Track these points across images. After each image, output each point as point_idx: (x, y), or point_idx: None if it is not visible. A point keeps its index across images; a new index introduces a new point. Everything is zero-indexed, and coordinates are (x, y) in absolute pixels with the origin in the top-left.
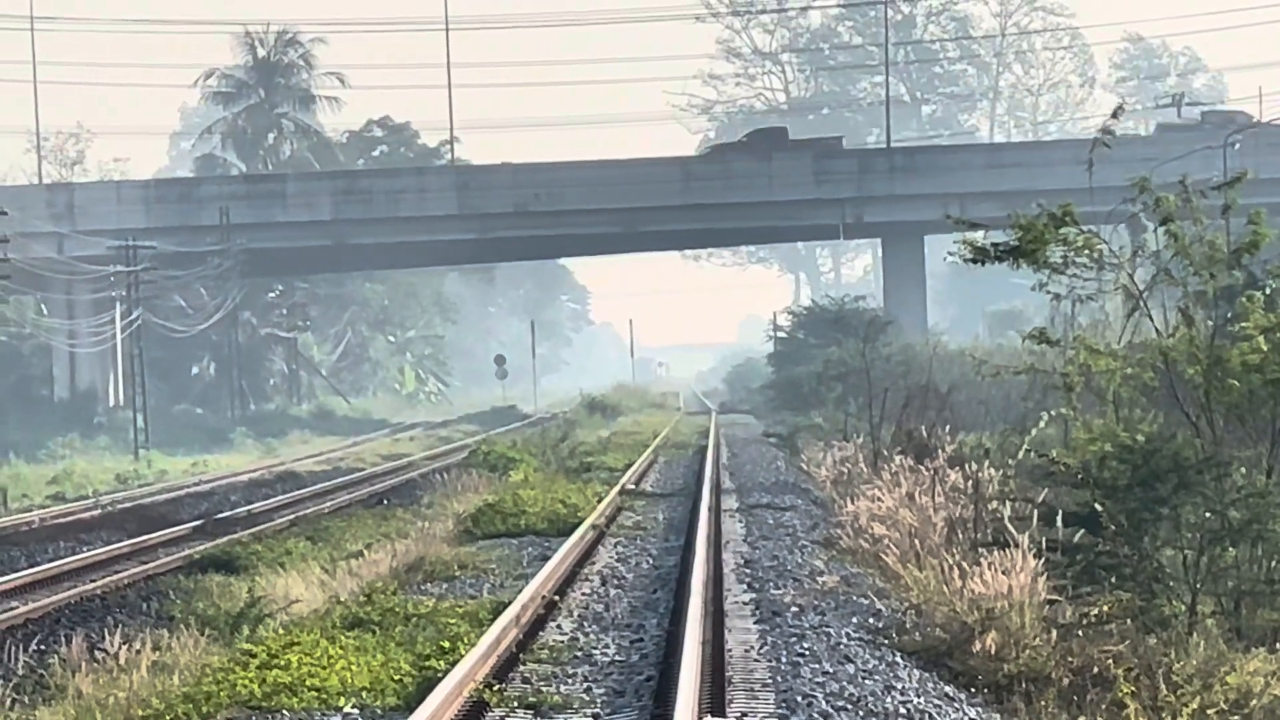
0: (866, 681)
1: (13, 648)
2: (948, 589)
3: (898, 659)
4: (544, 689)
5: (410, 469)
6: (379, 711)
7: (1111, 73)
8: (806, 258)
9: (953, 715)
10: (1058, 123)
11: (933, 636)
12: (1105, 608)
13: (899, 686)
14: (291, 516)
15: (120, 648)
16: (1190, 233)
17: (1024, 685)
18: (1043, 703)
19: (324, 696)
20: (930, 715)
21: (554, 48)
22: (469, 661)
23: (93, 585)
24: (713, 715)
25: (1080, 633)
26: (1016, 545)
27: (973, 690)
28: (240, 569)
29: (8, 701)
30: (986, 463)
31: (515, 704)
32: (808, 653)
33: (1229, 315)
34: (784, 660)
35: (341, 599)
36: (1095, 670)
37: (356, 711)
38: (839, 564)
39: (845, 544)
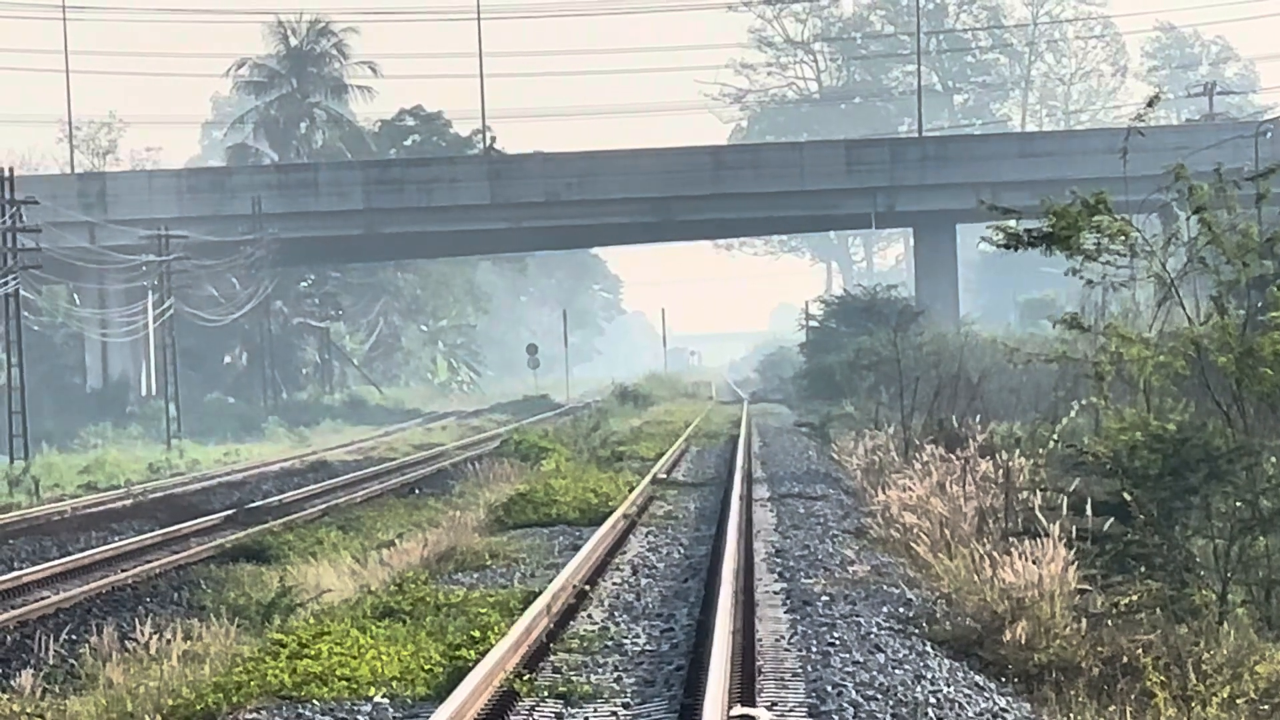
0: (897, 671)
1: (44, 637)
2: (978, 578)
3: (928, 648)
4: (574, 679)
5: (442, 458)
6: (409, 701)
7: (1143, 62)
8: (838, 247)
9: (983, 705)
10: (1089, 112)
11: (963, 626)
12: (1135, 597)
13: (929, 676)
14: (323, 506)
15: (151, 637)
16: (1223, 221)
17: (1054, 675)
18: (1073, 692)
19: (354, 686)
20: (960, 705)
21: (586, 37)
22: (499, 651)
23: (124, 575)
24: (743, 704)
25: (1110, 622)
26: (1047, 535)
27: (1003, 680)
28: (271, 558)
29: (39, 691)
30: (1017, 452)
31: (545, 694)
32: (838, 642)
33: (1260, 304)
34: (814, 650)
35: (372, 588)
36: (1125, 660)
37: (387, 701)
38: (870, 553)
39: (876, 533)
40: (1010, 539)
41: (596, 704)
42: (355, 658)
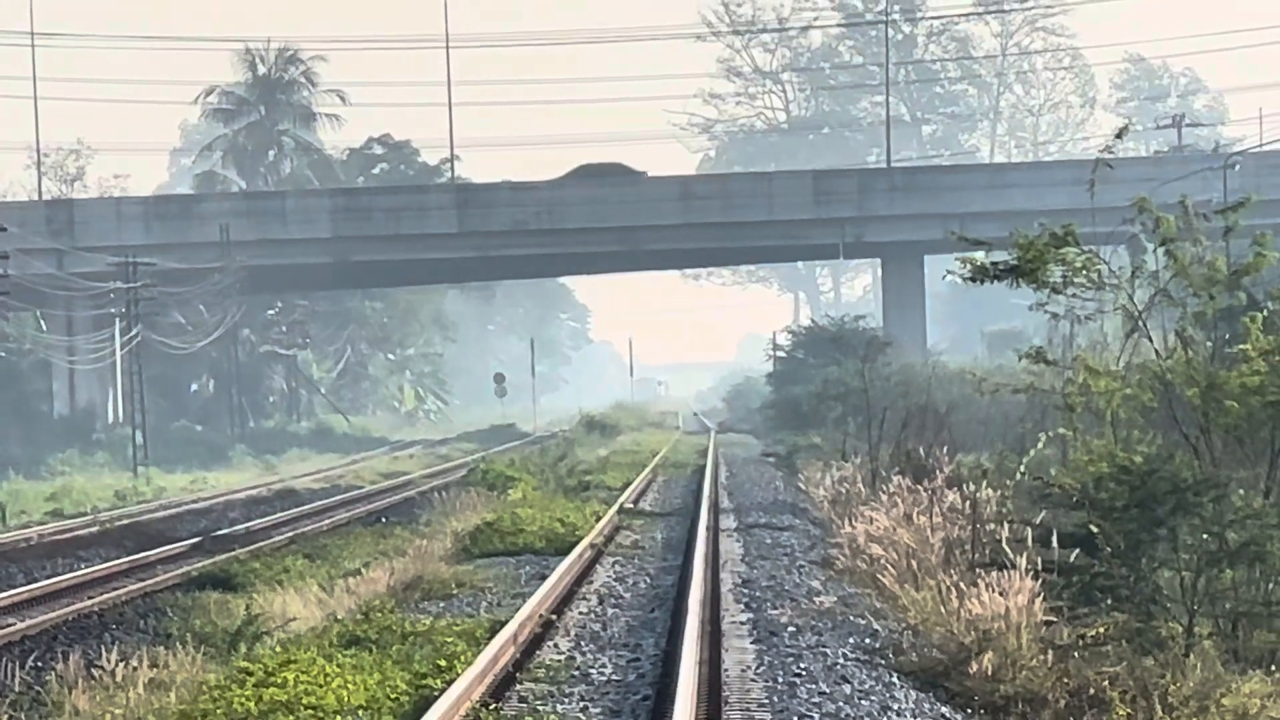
0: (863, 702)
1: (10, 664)
2: (945, 609)
3: (894, 679)
4: (540, 708)
5: (409, 487)
6: None
7: (1112, 93)
8: (806, 277)
9: None
10: (1058, 143)
11: (929, 657)
12: (1102, 629)
13: (895, 707)
14: (290, 534)
15: (117, 665)
16: (1190, 254)
17: (1020, 706)
18: None
19: (320, 715)
20: None
21: (554, 66)
22: (466, 680)
23: (90, 602)
24: None
25: (1077, 654)
26: (1014, 566)
27: (969, 711)
28: (238, 586)
29: (5, 718)
30: (984, 483)
31: None
32: (804, 673)
33: (1227, 337)
34: (780, 680)
35: (339, 617)
36: (1092, 691)
37: None
38: (836, 584)
39: (843, 564)
40: (977, 570)
41: None
42: (321, 686)
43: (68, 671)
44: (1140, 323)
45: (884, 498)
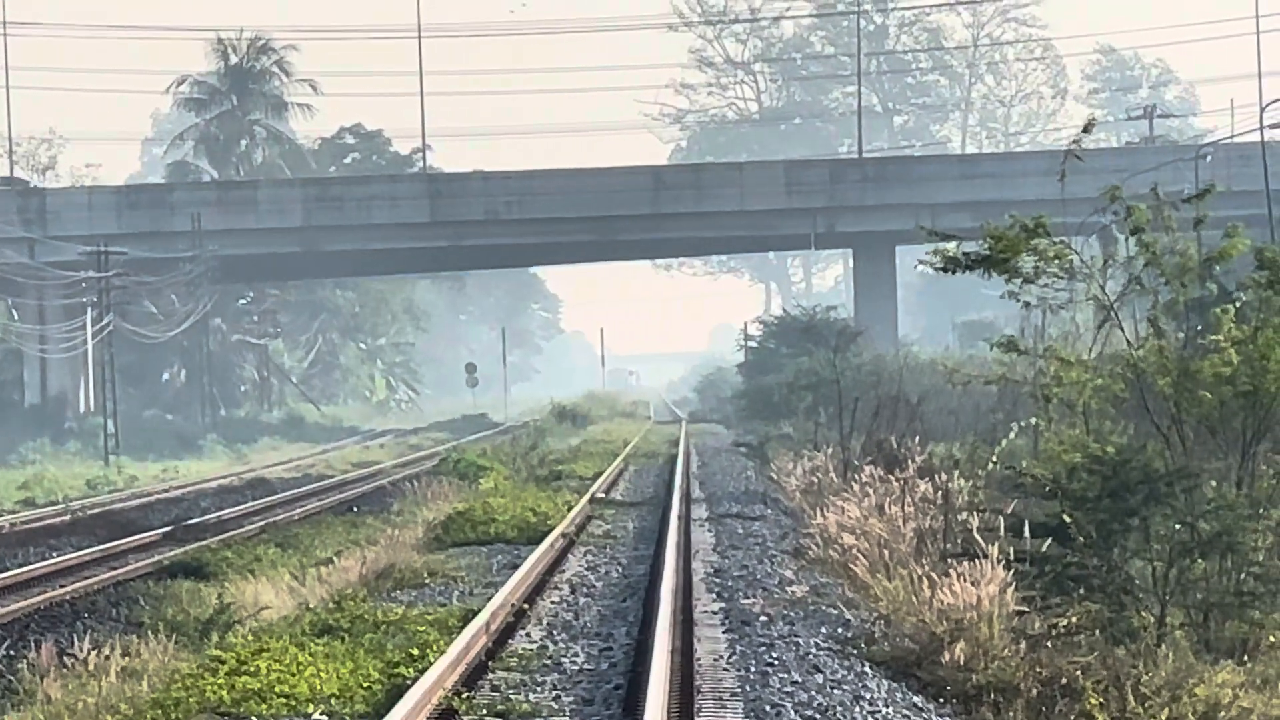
0: (835, 691)
1: None
2: (917, 599)
3: (866, 669)
4: (513, 697)
5: (380, 476)
6: (348, 718)
7: (1084, 84)
8: (778, 267)
9: None
10: (1029, 134)
11: (901, 647)
12: (1074, 619)
13: (868, 697)
14: (262, 523)
15: (89, 653)
16: (1162, 243)
17: (992, 696)
18: (1011, 713)
19: (293, 703)
20: None
21: (526, 56)
22: (438, 669)
23: (62, 590)
24: None
25: (1049, 644)
26: (985, 556)
27: (941, 701)
28: (210, 575)
29: None
30: (956, 473)
31: (484, 711)
32: (776, 662)
33: (1199, 327)
34: (753, 669)
35: (311, 606)
36: (1064, 681)
37: (326, 718)
38: (808, 574)
39: (814, 554)
40: (949, 560)
41: None
42: (294, 675)
43: (40, 660)
44: (1112, 312)
45: (856, 488)
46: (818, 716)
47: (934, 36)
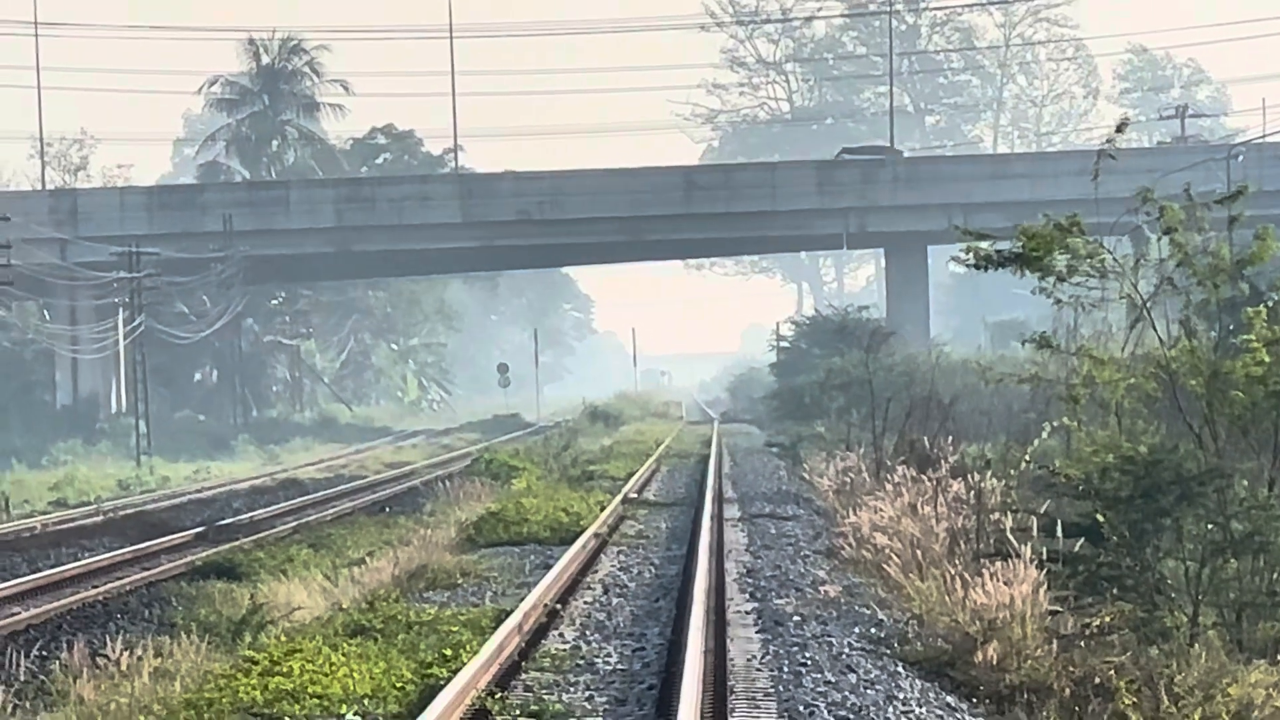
0: (868, 691)
1: (15, 653)
2: (950, 599)
3: (900, 669)
4: (546, 697)
5: (412, 477)
6: (381, 719)
7: (1115, 84)
8: (809, 267)
9: None
10: (1061, 134)
11: (934, 647)
12: (1107, 618)
13: (901, 697)
14: (294, 524)
15: (122, 654)
16: (1194, 243)
17: (1026, 696)
18: (1044, 713)
19: (326, 704)
20: None
21: (558, 56)
22: (471, 669)
23: (95, 591)
24: None
25: (1082, 643)
26: (1018, 556)
27: (974, 700)
28: (242, 576)
29: (9, 707)
30: (989, 473)
31: (517, 712)
32: (810, 662)
33: (1231, 326)
34: (786, 670)
35: (344, 606)
36: (1097, 681)
37: (359, 719)
38: (841, 574)
39: (847, 554)
40: (982, 560)
41: None
42: (327, 675)
43: (72, 661)
44: (1144, 312)
45: (888, 488)
46: (851, 716)
47: (966, 36)
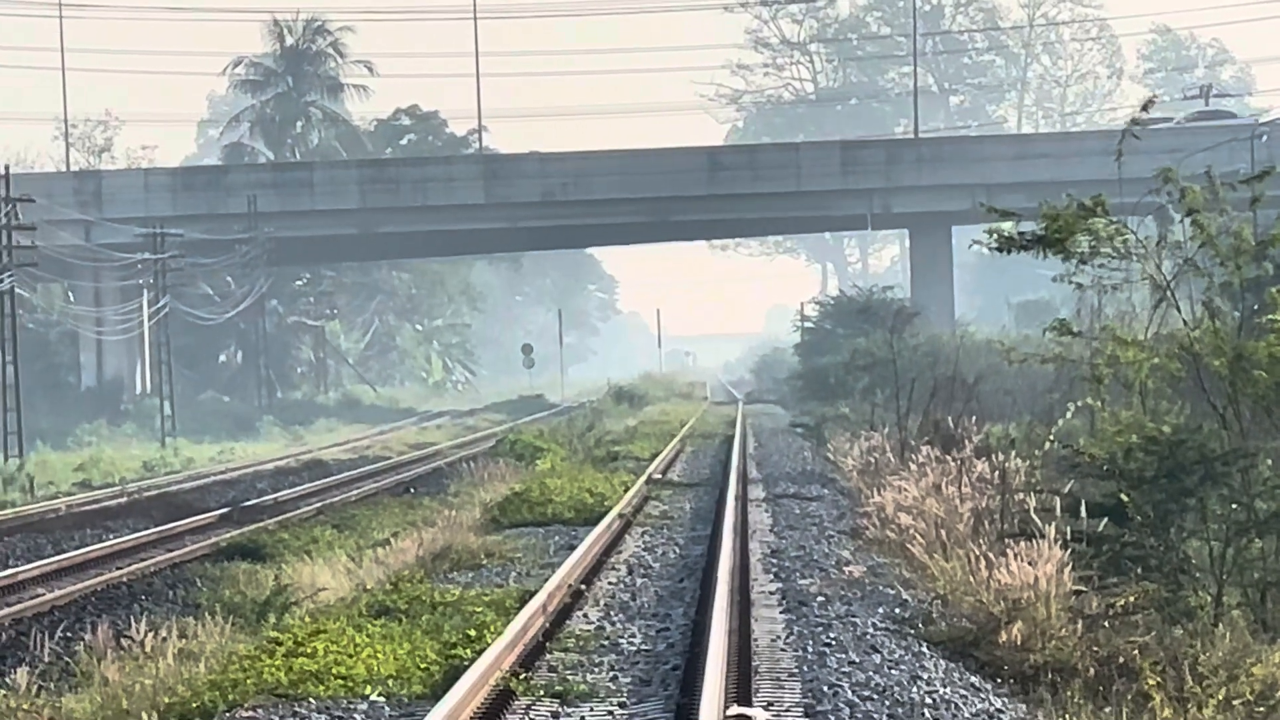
0: (893, 671)
1: (40, 635)
2: (974, 579)
3: (924, 649)
4: (570, 678)
5: (437, 458)
6: (405, 699)
7: (1139, 64)
8: (834, 248)
9: (979, 705)
10: (1085, 114)
11: (959, 627)
12: (1131, 599)
13: (925, 676)
14: (318, 505)
15: (146, 635)
16: (1216, 224)
17: (1050, 676)
18: (1069, 693)
19: (350, 684)
20: (956, 705)
21: (582, 37)
22: (495, 650)
23: (119, 572)
24: (739, 704)
25: (1106, 624)
26: (1042, 536)
27: (999, 680)
28: (266, 557)
29: (35, 688)
30: (1013, 453)
31: (542, 692)
32: (834, 642)
33: (1255, 307)
34: (810, 650)
35: (368, 587)
36: (1121, 661)
37: (383, 699)
38: (865, 554)
39: (871, 534)
40: (1006, 540)
41: (593, 703)
42: (351, 656)
43: (97, 642)
44: (1168, 293)
45: (913, 468)
46: (875, 696)
47: (989, 16)
